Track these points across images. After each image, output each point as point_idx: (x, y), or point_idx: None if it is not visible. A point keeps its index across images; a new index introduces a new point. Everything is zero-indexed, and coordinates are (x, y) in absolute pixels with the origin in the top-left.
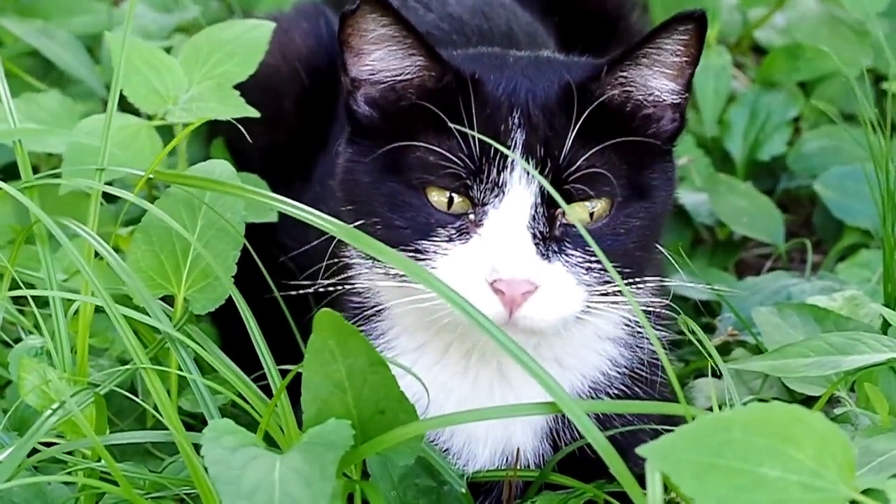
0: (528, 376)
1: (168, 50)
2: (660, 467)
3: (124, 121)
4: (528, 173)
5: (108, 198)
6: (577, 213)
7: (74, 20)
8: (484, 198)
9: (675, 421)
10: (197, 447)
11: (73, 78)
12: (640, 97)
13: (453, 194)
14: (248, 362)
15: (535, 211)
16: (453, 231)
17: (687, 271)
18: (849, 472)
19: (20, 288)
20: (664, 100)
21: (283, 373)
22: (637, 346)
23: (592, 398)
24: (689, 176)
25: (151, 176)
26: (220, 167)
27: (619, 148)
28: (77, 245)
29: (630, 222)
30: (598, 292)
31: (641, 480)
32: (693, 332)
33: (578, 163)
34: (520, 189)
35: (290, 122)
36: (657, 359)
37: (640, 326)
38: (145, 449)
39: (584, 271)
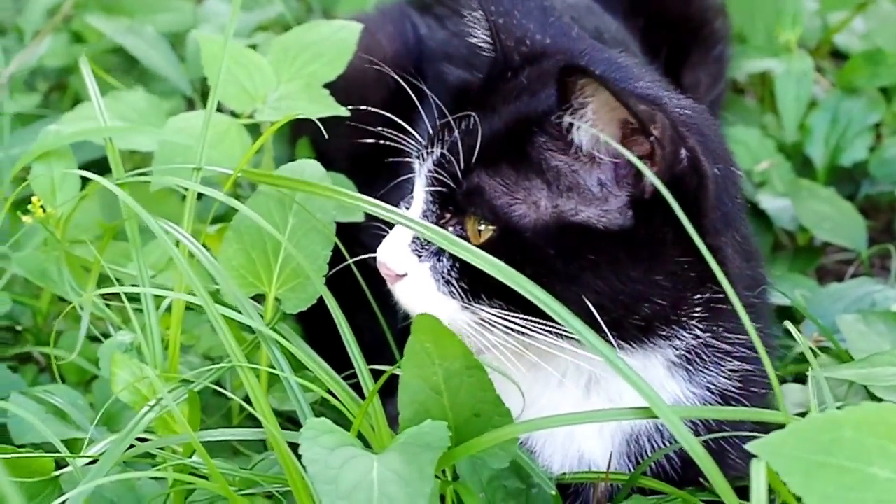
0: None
1: (252, 49)
2: (769, 463)
3: (214, 119)
4: (426, 176)
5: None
6: (469, 226)
7: (159, 18)
8: (413, 188)
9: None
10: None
11: (155, 75)
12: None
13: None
14: (331, 359)
15: (427, 212)
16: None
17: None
18: None
19: (108, 283)
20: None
21: (372, 372)
22: (709, 372)
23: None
24: (770, 181)
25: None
26: (311, 167)
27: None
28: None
29: (511, 257)
30: (481, 311)
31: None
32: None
33: (471, 176)
34: (420, 188)
35: (375, 125)
36: (753, 373)
37: (701, 358)
38: (231, 446)
39: (444, 283)
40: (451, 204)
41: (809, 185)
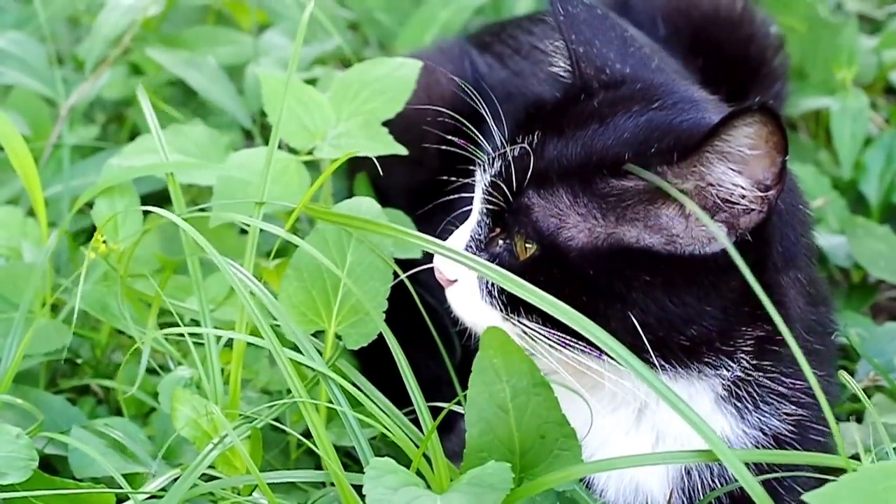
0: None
1: (310, 82)
2: None
3: (275, 156)
4: (482, 191)
5: (245, 231)
6: (517, 242)
7: (218, 50)
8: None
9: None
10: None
11: (212, 108)
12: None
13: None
14: (388, 394)
15: (481, 223)
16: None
17: None
18: None
19: (167, 315)
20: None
21: (429, 409)
22: (763, 413)
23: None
24: (825, 218)
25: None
26: (366, 204)
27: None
28: (222, 278)
29: (551, 275)
30: (520, 324)
31: None
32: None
33: (521, 197)
34: (477, 201)
35: (433, 162)
36: (808, 418)
37: (753, 398)
38: (290, 482)
39: (487, 293)
40: (501, 221)
41: (864, 222)
